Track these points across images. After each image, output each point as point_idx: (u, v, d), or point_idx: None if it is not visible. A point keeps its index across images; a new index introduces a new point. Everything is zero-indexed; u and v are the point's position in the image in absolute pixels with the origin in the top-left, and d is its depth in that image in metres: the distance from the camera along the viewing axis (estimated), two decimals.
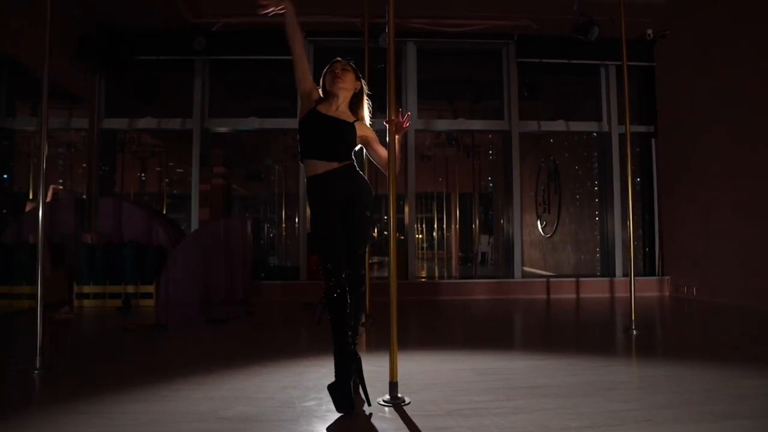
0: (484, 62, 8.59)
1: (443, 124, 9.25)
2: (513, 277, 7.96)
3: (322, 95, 3.01)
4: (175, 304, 6.52)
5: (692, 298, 7.27)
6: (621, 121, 8.06)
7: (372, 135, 3.05)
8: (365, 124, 3.05)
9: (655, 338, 4.73)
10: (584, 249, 10.07)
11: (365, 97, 3.07)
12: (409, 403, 2.73)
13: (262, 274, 7.97)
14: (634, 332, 4.74)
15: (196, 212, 7.58)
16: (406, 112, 3.01)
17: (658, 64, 8.07)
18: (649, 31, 7.48)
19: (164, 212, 11.67)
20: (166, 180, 12.58)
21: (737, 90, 6.55)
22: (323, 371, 3.37)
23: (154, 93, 7.48)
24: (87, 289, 6.50)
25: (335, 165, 2.86)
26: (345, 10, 6.94)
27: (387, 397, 2.79)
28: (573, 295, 7.73)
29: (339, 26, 7.33)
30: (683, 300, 7.27)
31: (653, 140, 8.28)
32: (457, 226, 15.34)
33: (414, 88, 7.86)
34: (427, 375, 3.31)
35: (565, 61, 7.85)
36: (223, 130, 8.10)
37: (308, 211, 8.10)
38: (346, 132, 2.92)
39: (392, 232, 3.01)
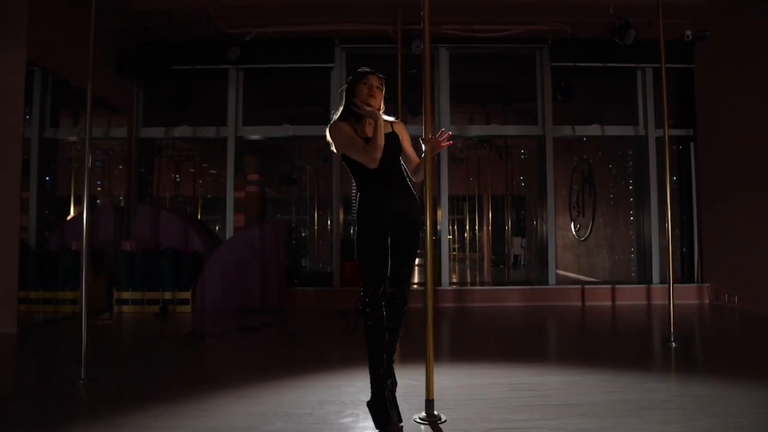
0: (517, 66, 8.50)
1: (476, 130, 9.21)
2: (548, 284, 7.86)
3: (344, 107, 2.86)
4: (211, 311, 6.68)
5: (734, 307, 7.05)
6: (658, 124, 7.88)
7: (406, 135, 2.95)
8: (401, 124, 2.97)
9: (695, 352, 4.61)
10: (619, 253, 9.88)
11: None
12: (445, 421, 2.73)
13: (296, 281, 8.05)
14: (673, 345, 4.62)
15: (231, 219, 7.70)
16: (445, 132, 2.88)
17: (696, 65, 7.86)
18: (688, 32, 7.27)
19: (199, 216, 11.91)
20: (200, 181, 12.81)
21: None
22: (359, 385, 3.39)
23: (190, 102, 7.63)
24: (126, 295, 6.68)
25: (394, 179, 2.83)
26: (378, 17, 6.96)
27: (423, 414, 2.79)
28: (608, 303, 7.59)
29: (372, 33, 7.34)
30: (724, 308, 7.07)
31: (692, 144, 8.07)
32: (490, 227, 15.24)
33: (447, 93, 7.83)
34: (462, 390, 3.30)
35: (601, 64, 7.71)
36: (257, 137, 8.23)
37: (341, 215, 8.19)
38: (392, 143, 2.84)
39: (429, 250, 2.99)
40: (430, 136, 2.88)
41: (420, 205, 2.91)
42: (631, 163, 8.85)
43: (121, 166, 10.68)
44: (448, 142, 2.85)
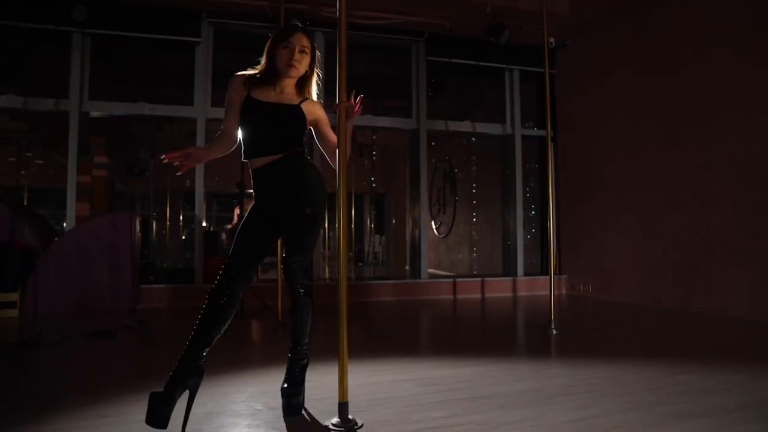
0: (392, 58, 8.41)
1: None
2: (420, 278, 7.86)
3: (264, 68, 2.53)
4: (48, 315, 5.63)
5: (588, 296, 7.61)
6: (523, 124, 8.32)
7: (322, 115, 2.65)
8: (315, 102, 2.64)
9: (575, 337, 4.76)
10: (481, 248, 10.27)
11: (315, 74, 2.65)
12: (362, 426, 2.40)
13: (152, 277, 7.15)
14: (554, 332, 4.78)
15: (73, 207, 6.57)
16: (358, 95, 2.61)
17: (557, 71, 8.38)
18: (552, 40, 7.69)
19: (26, 202, 10.24)
20: (22, 172, 11.02)
21: (631, 103, 6.96)
22: (250, 390, 2.94)
23: (19, 67, 6.38)
24: None
25: (277, 156, 2.48)
26: None
27: (336, 420, 2.42)
28: (478, 295, 7.78)
29: (245, 9, 6.71)
30: (580, 298, 7.59)
31: (551, 144, 8.57)
32: (353, 225, 15.13)
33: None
34: (368, 389, 2.98)
35: (474, 62, 7.89)
36: (106, 114, 7.16)
37: (203, 208, 7.46)
38: (290, 117, 2.51)
39: (342, 234, 2.64)
40: (344, 100, 2.54)
41: (315, 179, 2.63)
42: (474, 160, 9.10)
43: None
44: (360, 107, 2.56)
